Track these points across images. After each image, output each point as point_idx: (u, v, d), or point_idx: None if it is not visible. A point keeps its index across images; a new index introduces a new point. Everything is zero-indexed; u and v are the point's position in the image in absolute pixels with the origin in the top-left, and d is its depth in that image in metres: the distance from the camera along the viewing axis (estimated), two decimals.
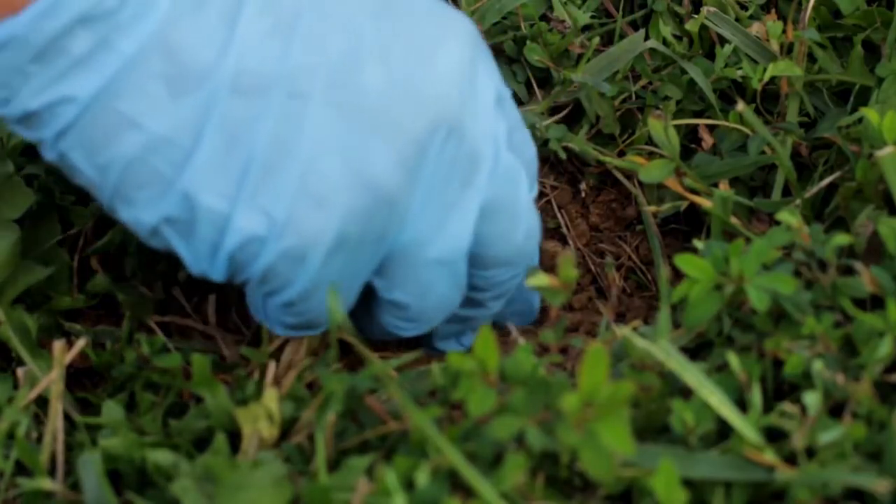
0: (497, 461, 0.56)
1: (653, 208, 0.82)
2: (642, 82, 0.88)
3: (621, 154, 0.86)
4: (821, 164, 0.81)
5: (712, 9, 0.88)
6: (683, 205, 0.80)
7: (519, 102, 0.90)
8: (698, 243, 0.67)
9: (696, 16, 0.89)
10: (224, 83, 0.58)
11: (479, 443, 0.57)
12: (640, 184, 0.85)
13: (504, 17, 0.91)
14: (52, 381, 0.62)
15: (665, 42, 0.90)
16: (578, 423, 0.52)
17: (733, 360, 0.60)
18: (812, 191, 0.77)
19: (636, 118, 0.88)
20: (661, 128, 0.77)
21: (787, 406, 0.58)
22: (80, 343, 0.66)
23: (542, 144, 0.87)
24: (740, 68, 0.85)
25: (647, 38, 0.89)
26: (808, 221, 0.75)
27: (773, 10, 0.91)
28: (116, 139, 0.59)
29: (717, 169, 0.81)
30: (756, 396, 0.59)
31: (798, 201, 0.77)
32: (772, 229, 0.67)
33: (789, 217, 0.67)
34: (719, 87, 0.87)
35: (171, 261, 0.79)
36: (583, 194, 0.89)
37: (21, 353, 0.70)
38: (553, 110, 0.88)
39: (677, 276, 0.74)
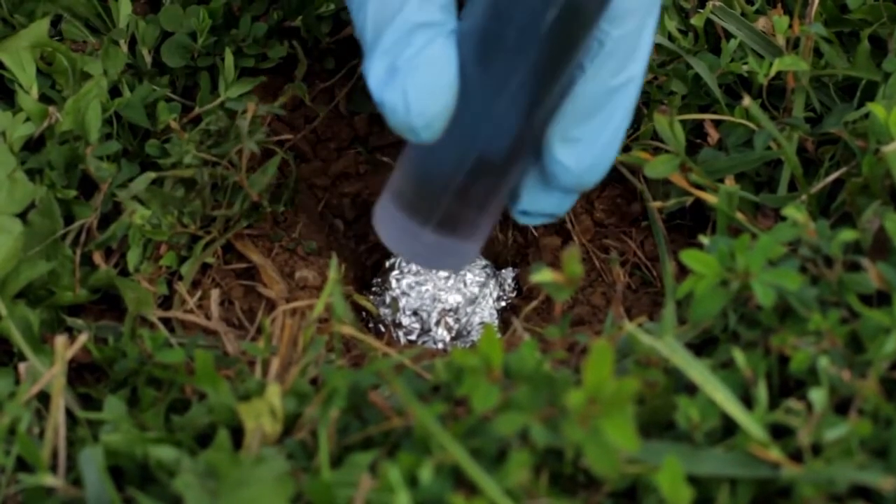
0: (501, 458, 0.56)
1: (658, 204, 0.82)
2: (647, 77, 0.88)
3: (626, 149, 0.86)
4: (827, 160, 0.80)
5: (718, 3, 0.88)
6: (689, 200, 0.80)
7: None
8: (704, 239, 0.66)
9: (701, 10, 0.88)
10: None
11: (483, 439, 0.56)
12: (646, 179, 0.85)
13: None
14: (54, 376, 0.62)
15: (670, 37, 0.89)
16: (583, 419, 0.52)
17: (739, 356, 0.60)
18: (818, 186, 0.77)
19: (641, 113, 0.87)
20: (666, 123, 0.76)
21: (793, 403, 0.58)
22: (82, 338, 0.66)
23: None
24: (746, 63, 0.85)
25: None
26: (814, 217, 0.75)
27: (779, 5, 0.90)
28: None
29: (723, 164, 0.81)
30: (761, 393, 0.58)
31: (804, 197, 0.77)
32: (778, 225, 0.67)
33: (795, 212, 0.67)
34: (725, 81, 0.87)
35: (173, 255, 0.79)
36: None
37: (23, 348, 0.69)
38: None
39: (683, 272, 0.73)
